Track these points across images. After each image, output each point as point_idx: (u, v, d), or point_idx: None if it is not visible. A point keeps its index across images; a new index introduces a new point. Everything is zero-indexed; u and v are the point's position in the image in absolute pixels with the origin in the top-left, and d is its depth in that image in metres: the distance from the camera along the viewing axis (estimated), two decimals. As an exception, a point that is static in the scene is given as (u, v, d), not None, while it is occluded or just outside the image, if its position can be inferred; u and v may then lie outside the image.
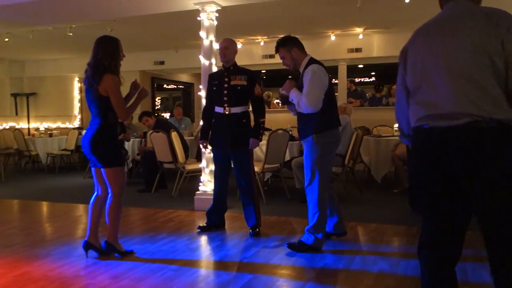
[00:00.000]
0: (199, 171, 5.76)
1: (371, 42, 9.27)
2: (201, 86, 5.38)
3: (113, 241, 3.61)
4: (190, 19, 6.13)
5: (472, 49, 1.84)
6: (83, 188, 6.77)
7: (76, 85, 11.98)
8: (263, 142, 5.60)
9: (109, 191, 3.55)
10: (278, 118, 9.14)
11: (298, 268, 3.37)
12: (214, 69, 5.39)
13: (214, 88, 4.31)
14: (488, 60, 1.81)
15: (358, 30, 8.79)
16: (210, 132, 4.38)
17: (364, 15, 7.51)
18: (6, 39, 8.47)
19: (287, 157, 6.16)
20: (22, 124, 11.99)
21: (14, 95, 12.12)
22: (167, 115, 14.06)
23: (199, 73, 5.62)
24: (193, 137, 7.93)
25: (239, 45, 8.25)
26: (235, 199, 5.50)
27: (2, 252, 3.83)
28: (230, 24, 7.08)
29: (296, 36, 3.85)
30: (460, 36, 1.90)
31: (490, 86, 1.81)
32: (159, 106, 15.32)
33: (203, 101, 4.64)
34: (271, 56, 9.59)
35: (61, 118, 12.05)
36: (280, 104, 9.64)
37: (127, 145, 7.84)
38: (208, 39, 5.45)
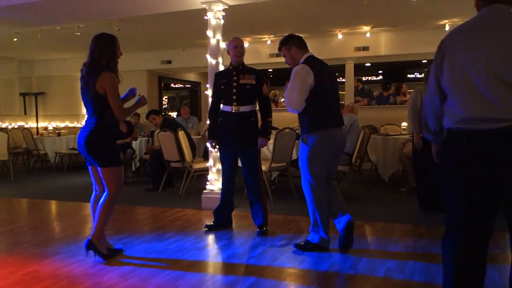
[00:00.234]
0: (206, 170, 5.77)
1: (378, 41, 9.23)
2: (208, 85, 5.38)
3: (96, 242, 3.46)
4: (197, 18, 6.14)
5: None
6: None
7: (84, 85, 12.04)
8: (270, 141, 5.61)
9: (105, 189, 3.48)
10: (285, 117, 9.10)
11: (306, 266, 3.36)
12: (221, 68, 5.39)
13: (222, 87, 4.30)
14: None
15: (366, 28, 8.75)
16: (218, 131, 4.36)
17: (371, 13, 7.47)
18: (15, 39, 8.54)
19: (294, 156, 6.14)
20: (31, 124, 12.08)
21: (23, 95, 12.22)
22: (174, 114, 14.08)
23: (206, 72, 5.62)
24: (200, 136, 7.94)
25: (246, 44, 8.24)
26: (242, 198, 5.50)
27: (11, 250, 3.87)
28: (237, 23, 7.08)
29: (302, 35, 3.84)
30: (503, 41, 1.98)
31: None
32: (166, 105, 15.35)
33: (210, 100, 4.63)
34: (278, 55, 9.53)
35: (69, 117, 12.12)
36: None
37: (135, 144, 7.87)
38: (215, 38, 5.45)
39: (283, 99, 11.07)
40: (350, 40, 9.30)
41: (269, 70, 13.54)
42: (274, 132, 5.69)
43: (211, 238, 4.26)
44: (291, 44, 3.71)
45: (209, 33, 5.48)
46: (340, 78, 11.05)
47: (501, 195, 2.05)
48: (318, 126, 3.58)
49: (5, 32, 8.08)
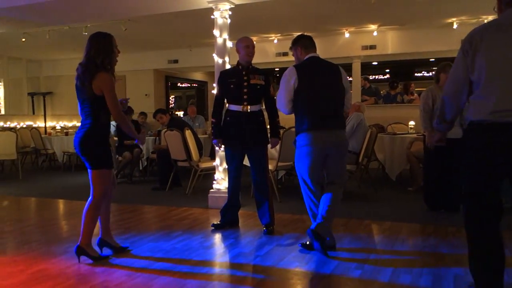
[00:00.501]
0: (213, 169, 5.78)
1: (385, 39, 9.19)
2: (214, 85, 5.39)
3: (85, 246, 3.42)
4: (204, 18, 6.16)
5: None
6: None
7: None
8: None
9: (91, 193, 3.41)
10: (292, 116, 9.11)
11: (312, 266, 3.35)
12: (228, 67, 5.39)
13: (232, 86, 4.27)
14: None
15: (373, 27, 8.72)
16: (225, 130, 4.34)
17: (378, 12, 7.44)
18: (23, 39, 8.61)
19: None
20: (39, 123, 12.18)
21: (31, 95, 12.32)
22: (180, 114, 14.13)
23: (213, 71, 5.63)
24: (207, 135, 7.96)
25: (252, 43, 8.24)
26: (249, 197, 5.51)
27: (20, 249, 3.90)
28: (243, 22, 7.09)
29: (309, 34, 3.83)
30: None
31: None
32: (173, 104, 15.40)
33: (215, 98, 4.58)
34: (285, 54, 9.59)
35: (77, 117, 12.09)
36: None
37: (142, 143, 7.88)
38: (222, 38, 5.45)
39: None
40: (357, 39, 9.27)
41: (276, 69, 13.52)
42: (281, 131, 5.68)
43: (217, 237, 4.26)
44: (298, 44, 3.73)
45: (216, 32, 5.48)
46: (347, 77, 11.00)
47: None
48: (301, 128, 3.59)
49: (13, 33, 8.15)
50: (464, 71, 2.41)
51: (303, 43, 3.71)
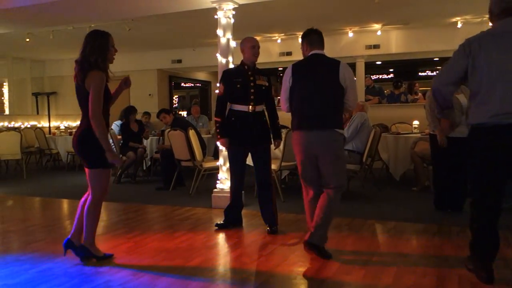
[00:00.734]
0: (216, 169, 5.78)
1: (389, 38, 9.17)
2: (218, 84, 5.39)
3: (88, 245, 3.42)
4: (207, 18, 6.15)
5: None
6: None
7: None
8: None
9: (90, 193, 3.41)
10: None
11: (316, 265, 3.35)
12: (231, 67, 5.38)
13: (238, 86, 4.24)
14: None
15: (376, 26, 8.71)
16: (229, 130, 4.30)
17: (382, 11, 7.43)
18: (27, 40, 8.64)
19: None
20: (43, 123, 12.22)
21: (35, 95, 12.37)
22: (184, 113, 14.15)
23: (216, 71, 5.63)
24: (210, 135, 7.96)
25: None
26: (252, 197, 5.51)
27: (25, 248, 3.91)
28: (247, 22, 7.09)
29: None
30: None
31: None
32: (177, 104, 15.41)
33: (218, 97, 4.54)
34: (288, 54, 9.57)
35: (80, 117, 12.21)
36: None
37: (146, 142, 7.91)
38: (225, 37, 5.45)
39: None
40: (360, 38, 9.25)
41: (279, 68, 13.51)
42: (284, 131, 5.68)
43: (221, 236, 4.27)
44: (304, 40, 3.65)
45: (219, 32, 5.48)
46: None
47: None
48: (292, 127, 3.62)
49: (17, 33, 8.17)
50: (461, 66, 2.71)
51: (309, 39, 3.62)
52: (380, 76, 15.59)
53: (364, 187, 6.40)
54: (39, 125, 11.69)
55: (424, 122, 5.06)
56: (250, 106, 4.22)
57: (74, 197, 6.35)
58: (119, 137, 7.81)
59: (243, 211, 4.62)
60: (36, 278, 3.14)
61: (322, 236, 3.43)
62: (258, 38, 9.22)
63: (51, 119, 12.38)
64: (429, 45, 8.93)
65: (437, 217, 4.79)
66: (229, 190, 4.91)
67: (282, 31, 9.01)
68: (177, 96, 15.86)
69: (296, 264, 3.38)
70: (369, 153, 6.02)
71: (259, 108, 4.28)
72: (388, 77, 15.57)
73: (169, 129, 6.76)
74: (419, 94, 9.53)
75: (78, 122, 12.58)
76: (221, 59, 5.47)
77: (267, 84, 4.34)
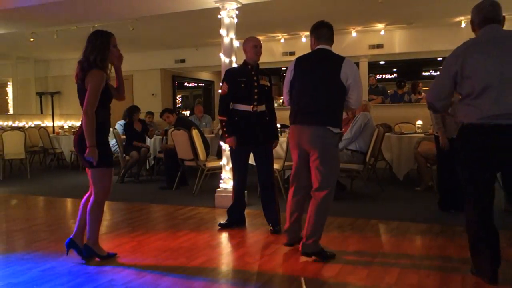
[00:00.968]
0: (219, 169, 5.79)
1: (393, 38, 9.14)
2: (221, 84, 5.39)
3: (92, 245, 3.43)
4: (211, 17, 6.16)
5: None
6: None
7: (99, 84, 12.19)
8: (283, 140, 5.61)
9: (92, 193, 3.42)
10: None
11: (319, 265, 3.35)
12: (234, 66, 5.38)
13: (243, 85, 4.23)
14: None
15: (380, 26, 8.68)
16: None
17: (385, 10, 7.41)
18: (31, 39, 8.67)
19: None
20: (47, 123, 12.26)
21: (39, 94, 12.41)
22: (187, 113, 14.16)
23: (220, 71, 5.63)
24: (213, 135, 7.97)
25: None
26: (255, 197, 5.51)
27: (29, 247, 3.93)
28: (250, 22, 7.09)
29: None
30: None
31: None
32: (180, 104, 15.43)
33: (221, 97, 4.51)
34: (291, 53, 9.56)
35: (84, 117, 12.24)
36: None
37: (149, 142, 7.93)
38: (229, 37, 5.46)
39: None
40: (364, 38, 9.23)
41: (282, 68, 13.50)
42: (287, 130, 5.67)
43: (224, 236, 4.27)
44: (312, 34, 3.59)
45: (223, 31, 5.49)
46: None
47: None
48: (289, 121, 3.61)
49: (21, 33, 8.20)
50: (449, 80, 2.87)
51: (317, 33, 3.54)
52: (384, 76, 15.55)
53: (368, 187, 6.40)
54: (43, 125, 11.73)
55: (427, 121, 5.05)
56: (253, 106, 4.23)
57: (78, 196, 6.35)
58: (123, 136, 7.82)
59: (246, 211, 4.62)
60: (39, 277, 3.16)
61: (315, 242, 3.39)
62: (261, 37, 9.29)
63: (55, 118, 12.42)
64: (433, 44, 8.89)
65: (441, 217, 4.78)
66: (232, 189, 4.92)
67: (285, 30, 9.00)
68: (180, 95, 15.88)
69: (299, 264, 3.38)
70: (373, 153, 6.01)
71: (261, 108, 4.29)
72: (392, 77, 15.53)
73: (172, 129, 6.77)
74: (423, 94, 9.50)
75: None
76: (224, 58, 5.47)
77: (269, 84, 4.37)
